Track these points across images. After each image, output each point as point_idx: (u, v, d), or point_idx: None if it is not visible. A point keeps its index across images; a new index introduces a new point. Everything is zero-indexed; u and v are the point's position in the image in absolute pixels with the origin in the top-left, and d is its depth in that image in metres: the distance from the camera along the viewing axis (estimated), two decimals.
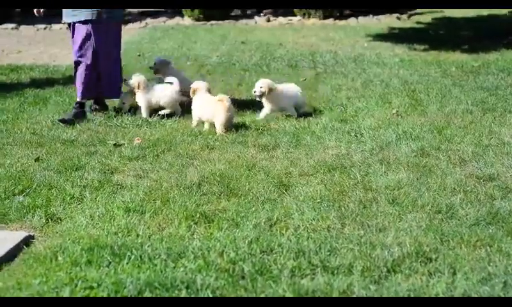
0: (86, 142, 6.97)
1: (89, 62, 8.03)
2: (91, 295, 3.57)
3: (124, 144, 6.89)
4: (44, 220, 4.87)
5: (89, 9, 7.93)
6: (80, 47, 8.04)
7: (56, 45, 15.60)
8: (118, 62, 8.50)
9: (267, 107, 7.98)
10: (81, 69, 8.09)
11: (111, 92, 8.40)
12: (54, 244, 4.34)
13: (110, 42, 8.19)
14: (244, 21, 18.50)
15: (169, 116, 7.98)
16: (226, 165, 6.06)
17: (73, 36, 8.15)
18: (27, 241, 4.52)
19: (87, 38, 8.00)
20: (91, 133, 7.35)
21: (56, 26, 17.87)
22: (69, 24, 8.20)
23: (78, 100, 8.15)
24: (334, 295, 3.64)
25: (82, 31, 8.01)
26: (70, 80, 11.09)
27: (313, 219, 4.75)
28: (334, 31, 16.55)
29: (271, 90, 7.92)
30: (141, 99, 8.12)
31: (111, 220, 4.76)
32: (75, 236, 4.45)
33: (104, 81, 8.22)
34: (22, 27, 18.32)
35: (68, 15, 8.11)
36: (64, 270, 3.90)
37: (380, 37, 15.27)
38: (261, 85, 7.97)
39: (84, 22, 7.98)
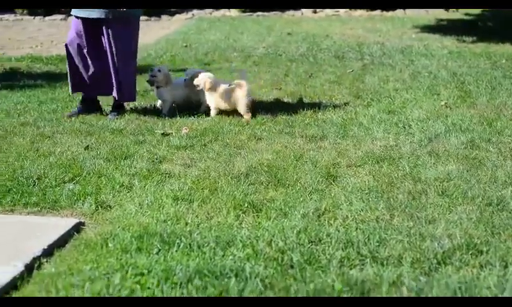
0: (134, 132, 7.03)
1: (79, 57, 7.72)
2: (142, 282, 3.60)
3: (172, 133, 6.94)
4: (94, 208, 4.92)
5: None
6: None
7: None
8: (129, 64, 7.88)
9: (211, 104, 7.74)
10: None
11: (122, 94, 7.85)
12: (104, 231, 4.38)
13: (121, 41, 7.65)
14: (290, 12, 18.47)
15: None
16: (273, 156, 6.06)
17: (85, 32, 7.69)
18: (77, 228, 4.57)
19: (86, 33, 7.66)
20: (140, 122, 7.41)
21: None
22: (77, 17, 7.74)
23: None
24: (384, 286, 3.61)
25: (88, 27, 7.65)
26: None
27: (362, 210, 4.72)
28: (381, 22, 16.44)
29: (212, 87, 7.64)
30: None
31: (159, 208, 4.79)
32: (125, 224, 4.49)
33: (108, 81, 7.76)
34: (70, 18, 18.53)
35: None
36: (114, 256, 3.94)
37: (428, 28, 15.12)
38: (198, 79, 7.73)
39: (95, 20, 7.57)
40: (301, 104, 8.19)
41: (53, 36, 15.56)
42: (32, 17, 19.73)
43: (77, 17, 7.73)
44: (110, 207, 4.95)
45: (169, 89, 7.96)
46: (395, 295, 3.55)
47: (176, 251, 4.00)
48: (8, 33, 16.67)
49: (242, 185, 5.28)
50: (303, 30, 15.47)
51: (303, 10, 18.41)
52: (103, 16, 7.52)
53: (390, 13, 17.75)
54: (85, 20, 7.66)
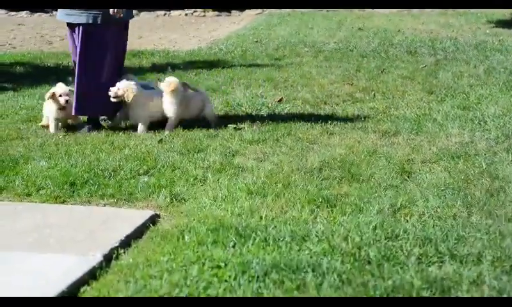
0: (206, 125, 7.07)
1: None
2: (219, 275, 3.61)
3: (244, 127, 6.95)
4: (169, 200, 4.96)
5: (85, 12, 6.88)
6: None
7: (175, 31, 15.92)
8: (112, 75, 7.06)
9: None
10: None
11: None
12: (180, 223, 4.41)
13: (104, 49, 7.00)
14: None
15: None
16: (346, 151, 6.01)
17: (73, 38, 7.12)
18: (153, 219, 4.62)
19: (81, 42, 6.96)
20: None
21: (175, 13, 18.24)
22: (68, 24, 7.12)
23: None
24: (464, 285, 3.53)
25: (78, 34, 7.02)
26: (190, 65, 11.36)
27: (438, 207, 4.63)
28: (454, 17, 16.17)
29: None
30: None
31: (233, 201, 4.80)
32: (200, 217, 4.51)
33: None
34: (142, 14, 18.79)
35: (64, 13, 7.09)
36: (191, 248, 3.96)
37: (502, 23, 14.80)
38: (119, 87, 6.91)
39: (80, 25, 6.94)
40: (373, 99, 8.11)
41: None
42: None
43: None
44: (184, 200, 4.98)
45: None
46: (476, 294, 3.47)
47: (252, 244, 4.00)
48: None
49: (315, 179, 5.25)
50: (374, 25, 15.32)
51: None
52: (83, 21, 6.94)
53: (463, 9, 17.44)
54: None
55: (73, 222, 4.58)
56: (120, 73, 7.19)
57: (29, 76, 10.55)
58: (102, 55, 7.01)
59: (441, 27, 14.84)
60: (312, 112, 7.53)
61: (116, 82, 6.92)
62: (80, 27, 6.94)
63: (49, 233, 4.35)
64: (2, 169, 5.64)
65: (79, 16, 6.94)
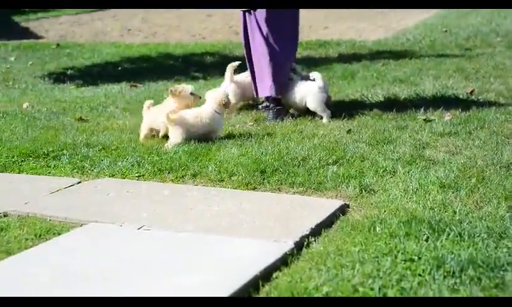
0: (394, 117, 6.97)
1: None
2: (412, 268, 3.53)
3: (434, 119, 6.78)
4: (358, 191, 4.92)
5: None
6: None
7: (363, 21, 15.81)
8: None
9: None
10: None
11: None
12: (370, 214, 4.37)
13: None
14: None
15: None
16: None
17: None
18: (343, 209, 4.61)
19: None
20: (399, 107, 7.32)
21: None
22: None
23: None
24: None
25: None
26: (377, 55, 11.25)
27: None
28: None
29: None
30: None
31: (425, 195, 4.68)
32: (391, 209, 4.44)
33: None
34: None
35: None
36: (382, 240, 3.90)
37: None
38: None
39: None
40: None
41: (311, 22, 15.85)
42: None
43: None
44: (374, 191, 4.92)
45: None
46: None
47: (446, 239, 3.88)
48: None
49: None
50: None
51: None
52: None
53: None
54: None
55: (264, 208, 4.66)
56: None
57: (218, 66, 10.87)
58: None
59: None
60: (507, 105, 7.20)
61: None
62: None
63: (242, 219, 4.46)
64: (196, 156, 5.84)
65: None
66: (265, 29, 7.12)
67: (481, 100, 7.56)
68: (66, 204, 4.90)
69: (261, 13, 7.12)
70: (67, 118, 7.75)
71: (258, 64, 7.26)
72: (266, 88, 7.25)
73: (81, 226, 4.51)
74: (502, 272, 3.46)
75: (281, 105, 7.29)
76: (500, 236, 3.93)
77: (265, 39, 7.15)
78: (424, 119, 6.78)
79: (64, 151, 6.18)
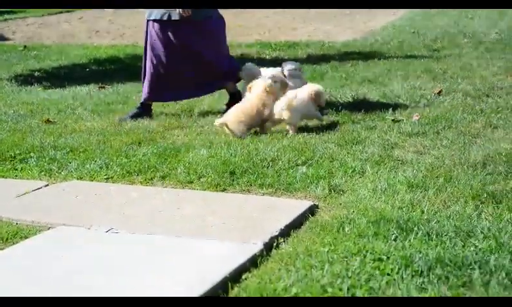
0: (363, 117, 6.99)
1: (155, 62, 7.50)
2: (381, 268, 3.55)
3: (403, 120, 6.82)
4: (327, 191, 4.93)
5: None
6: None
7: (330, 23, 15.88)
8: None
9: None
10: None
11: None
12: (339, 215, 4.38)
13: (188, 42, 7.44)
14: None
15: None
16: None
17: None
18: (312, 210, 4.61)
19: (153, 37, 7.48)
20: (368, 107, 7.35)
21: None
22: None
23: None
24: None
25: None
26: (345, 56, 11.31)
27: None
28: None
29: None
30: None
31: (394, 194, 4.70)
32: (360, 209, 4.46)
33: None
34: None
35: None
36: (351, 240, 3.92)
37: None
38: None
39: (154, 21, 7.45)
40: None
41: (279, 23, 15.91)
42: None
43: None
44: (343, 191, 4.94)
45: None
46: None
47: (414, 238, 3.90)
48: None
49: (479, 174, 5.05)
50: None
51: None
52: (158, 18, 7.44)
53: None
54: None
55: (234, 210, 4.65)
56: None
57: None
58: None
59: None
60: (474, 105, 7.27)
61: None
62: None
63: (211, 220, 4.44)
64: (165, 157, 5.82)
65: None
66: (151, 38, 7.51)
67: (449, 101, 7.62)
68: (33, 208, 4.86)
69: (154, 23, 7.47)
70: (34, 120, 7.68)
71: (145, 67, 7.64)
72: (144, 91, 7.65)
73: (49, 229, 4.46)
74: (469, 271, 3.49)
75: (147, 111, 7.63)
76: (467, 235, 3.95)
77: (152, 46, 7.49)
78: (393, 120, 6.81)
79: (32, 154, 6.13)
